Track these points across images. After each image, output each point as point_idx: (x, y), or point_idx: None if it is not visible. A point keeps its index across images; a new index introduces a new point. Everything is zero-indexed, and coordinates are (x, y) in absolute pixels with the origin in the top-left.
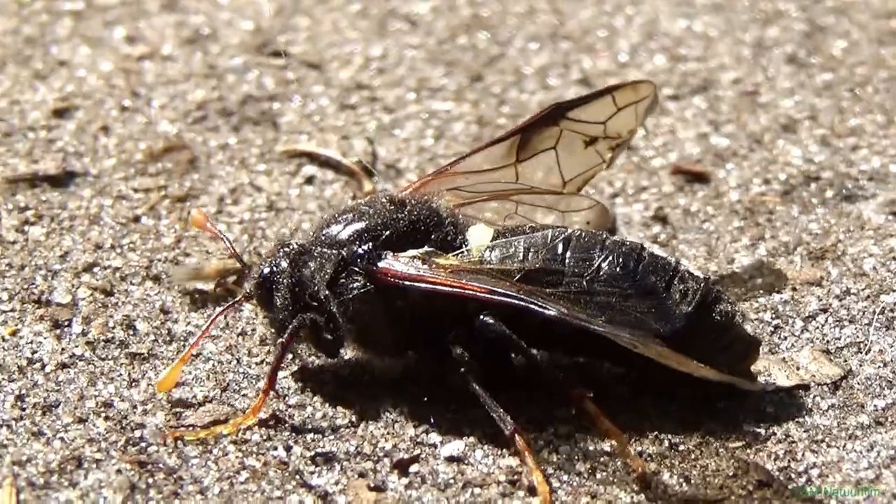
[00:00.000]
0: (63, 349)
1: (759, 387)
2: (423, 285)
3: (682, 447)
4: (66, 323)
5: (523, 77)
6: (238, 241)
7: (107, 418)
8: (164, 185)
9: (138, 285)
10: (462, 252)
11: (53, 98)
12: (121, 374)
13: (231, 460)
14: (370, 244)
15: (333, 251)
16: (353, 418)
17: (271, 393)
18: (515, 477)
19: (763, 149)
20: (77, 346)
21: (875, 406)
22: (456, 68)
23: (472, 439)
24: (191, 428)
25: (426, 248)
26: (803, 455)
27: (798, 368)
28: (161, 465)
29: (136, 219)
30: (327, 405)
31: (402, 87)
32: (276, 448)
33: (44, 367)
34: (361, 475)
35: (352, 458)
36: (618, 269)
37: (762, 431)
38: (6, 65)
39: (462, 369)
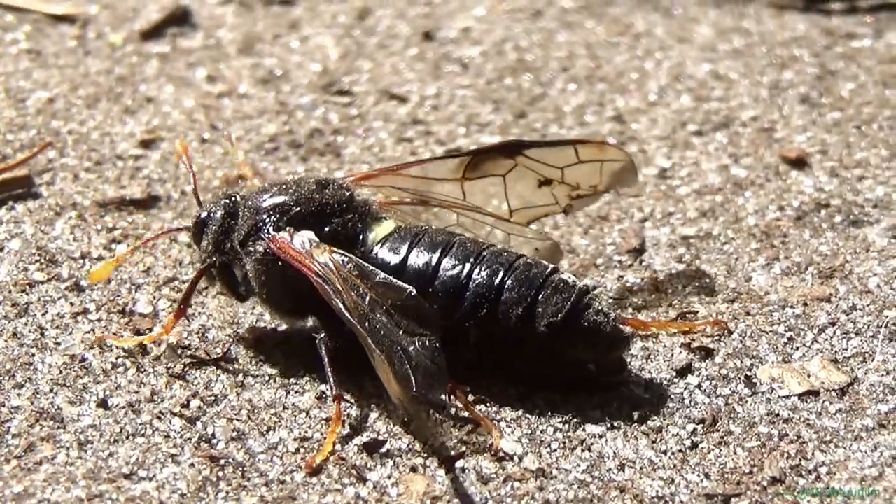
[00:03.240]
0: (144, 354)
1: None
2: (293, 263)
3: (702, 446)
4: (147, 331)
5: (563, 114)
6: None
7: (182, 417)
8: None
9: (212, 298)
10: (358, 241)
11: (141, 130)
12: (196, 378)
13: (294, 456)
14: (277, 216)
15: (251, 214)
16: (405, 419)
17: (181, 318)
18: (546, 470)
19: (778, 179)
20: (156, 352)
21: (879, 410)
22: (502, 106)
23: (513, 437)
24: (116, 336)
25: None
26: (813, 454)
27: (809, 376)
28: (230, 460)
29: None
30: (382, 405)
31: (453, 123)
32: (335, 444)
33: (126, 370)
34: (413, 469)
35: (404, 455)
36: (485, 279)
37: (776, 432)
38: (99, 101)
39: (318, 337)
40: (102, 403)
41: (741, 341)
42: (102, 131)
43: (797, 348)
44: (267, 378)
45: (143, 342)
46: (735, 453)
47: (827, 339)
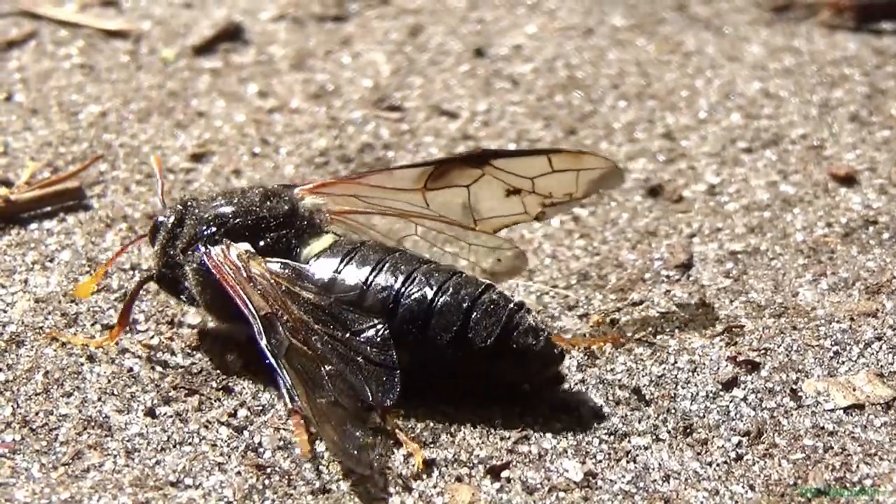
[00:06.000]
0: (192, 364)
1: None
2: (220, 278)
3: (747, 458)
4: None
5: (612, 131)
6: None
7: (229, 426)
8: None
9: None
10: (292, 256)
11: (192, 144)
12: (243, 388)
13: (340, 465)
14: (215, 228)
15: (194, 223)
16: (452, 429)
17: (126, 325)
18: (591, 480)
19: (827, 196)
20: (202, 363)
21: None
22: (552, 122)
23: (558, 448)
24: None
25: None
26: (858, 467)
27: (854, 389)
28: (277, 469)
29: None
30: (427, 418)
31: (503, 139)
32: (381, 455)
33: (174, 380)
34: (458, 479)
35: (450, 465)
36: (415, 302)
37: (821, 445)
38: (150, 115)
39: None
40: (150, 412)
41: (787, 355)
42: (153, 145)
43: (843, 362)
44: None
45: (88, 344)
46: (780, 465)
47: (873, 354)
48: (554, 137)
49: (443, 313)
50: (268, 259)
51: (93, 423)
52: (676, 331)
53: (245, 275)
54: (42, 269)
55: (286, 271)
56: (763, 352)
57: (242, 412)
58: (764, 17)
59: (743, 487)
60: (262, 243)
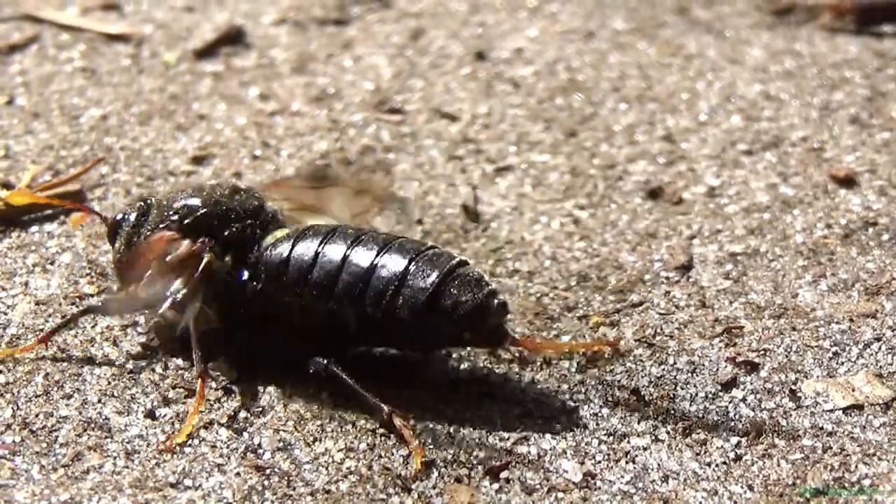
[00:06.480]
0: (192, 366)
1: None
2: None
3: (746, 458)
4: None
5: (613, 134)
6: None
7: (229, 427)
8: None
9: None
10: (253, 245)
11: (193, 147)
12: (244, 390)
13: (340, 466)
14: (178, 220)
15: (157, 218)
16: (451, 429)
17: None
18: (590, 481)
19: (826, 197)
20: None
21: None
22: (553, 125)
23: (557, 448)
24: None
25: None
26: (856, 467)
27: (853, 390)
28: (276, 470)
29: None
30: (427, 418)
31: (504, 141)
32: (380, 456)
33: (174, 382)
34: (457, 480)
35: (449, 465)
36: (358, 262)
37: (819, 445)
38: (152, 118)
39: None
40: (150, 414)
41: (786, 356)
42: (155, 148)
43: (842, 363)
44: (313, 391)
45: (14, 354)
46: (779, 465)
47: (872, 355)
48: (554, 139)
49: (383, 269)
50: (216, 257)
51: (93, 425)
52: (676, 332)
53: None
54: (42, 271)
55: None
56: (762, 352)
57: (242, 414)
58: (765, 21)
59: (742, 487)
60: (225, 233)
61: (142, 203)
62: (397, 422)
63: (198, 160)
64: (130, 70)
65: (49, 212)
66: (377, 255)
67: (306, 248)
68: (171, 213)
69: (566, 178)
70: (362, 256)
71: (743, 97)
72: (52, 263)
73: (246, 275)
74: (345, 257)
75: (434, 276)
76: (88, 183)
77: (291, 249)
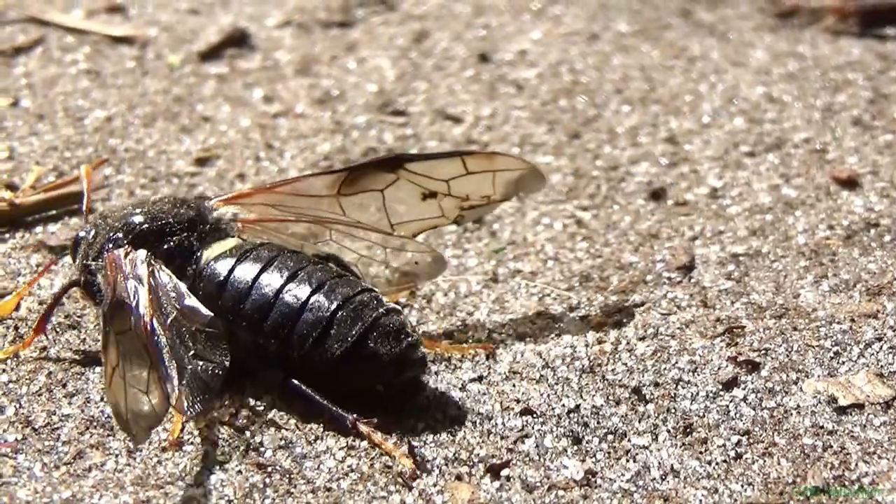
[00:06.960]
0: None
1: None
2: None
3: (746, 456)
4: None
5: (616, 136)
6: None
7: (230, 426)
8: None
9: None
10: (193, 259)
11: (197, 149)
12: (246, 389)
13: (341, 464)
14: (121, 234)
15: (104, 232)
16: (452, 428)
17: (41, 334)
18: (590, 479)
19: (829, 199)
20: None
21: None
22: (556, 127)
23: (558, 447)
24: None
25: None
26: (857, 465)
27: (854, 389)
28: (278, 468)
29: None
30: (427, 418)
31: (507, 143)
32: (381, 454)
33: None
34: (458, 478)
35: (450, 463)
36: (290, 300)
37: (820, 444)
38: (156, 120)
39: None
40: None
41: (788, 355)
42: (158, 149)
43: (843, 363)
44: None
45: (17, 351)
46: (779, 464)
47: (873, 354)
48: (557, 141)
49: (312, 312)
50: (162, 269)
51: (95, 423)
52: (677, 331)
53: (128, 272)
54: (46, 271)
55: (169, 283)
56: (763, 352)
57: (244, 412)
58: (768, 23)
59: (742, 486)
60: (165, 247)
61: (99, 220)
62: (363, 429)
63: (201, 162)
64: (135, 72)
65: (53, 212)
66: (310, 295)
67: (244, 274)
68: (114, 230)
69: (569, 180)
70: (294, 294)
71: (746, 99)
72: (55, 264)
73: (184, 287)
74: (277, 293)
75: (355, 329)
76: (92, 184)
77: (229, 274)
